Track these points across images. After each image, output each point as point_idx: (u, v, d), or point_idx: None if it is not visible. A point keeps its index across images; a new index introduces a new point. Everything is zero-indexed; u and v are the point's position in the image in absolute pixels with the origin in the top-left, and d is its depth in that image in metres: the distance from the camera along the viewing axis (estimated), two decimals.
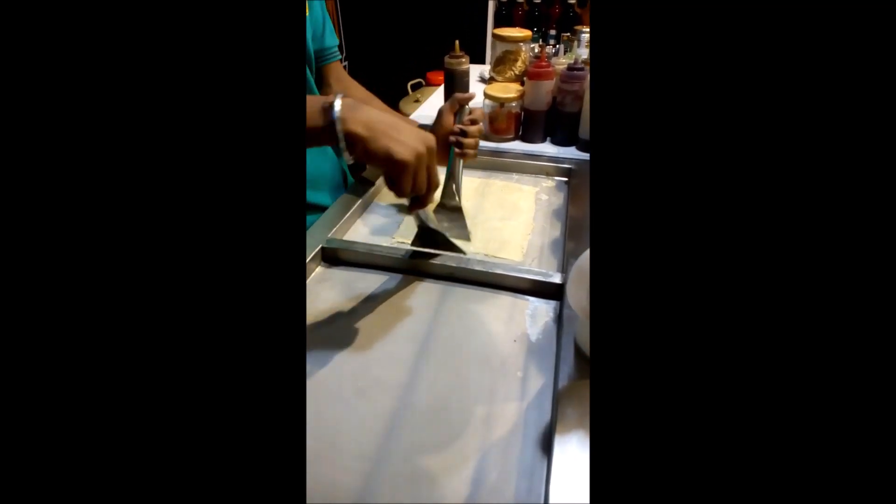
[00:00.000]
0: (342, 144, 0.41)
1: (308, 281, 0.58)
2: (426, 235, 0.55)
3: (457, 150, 0.62)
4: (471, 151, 0.61)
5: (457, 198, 0.62)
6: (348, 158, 0.42)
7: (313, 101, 0.42)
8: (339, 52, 0.80)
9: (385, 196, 0.76)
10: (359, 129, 0.41)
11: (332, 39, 0.78)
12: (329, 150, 0.79)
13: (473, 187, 0.78)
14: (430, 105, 1.10)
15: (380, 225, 0.69)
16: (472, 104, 0.65)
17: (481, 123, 0.64)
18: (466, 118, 0.64)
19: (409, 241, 0.58)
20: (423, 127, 0.53)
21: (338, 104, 0.41)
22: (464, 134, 0.61)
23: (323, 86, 0.79)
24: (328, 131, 0.41)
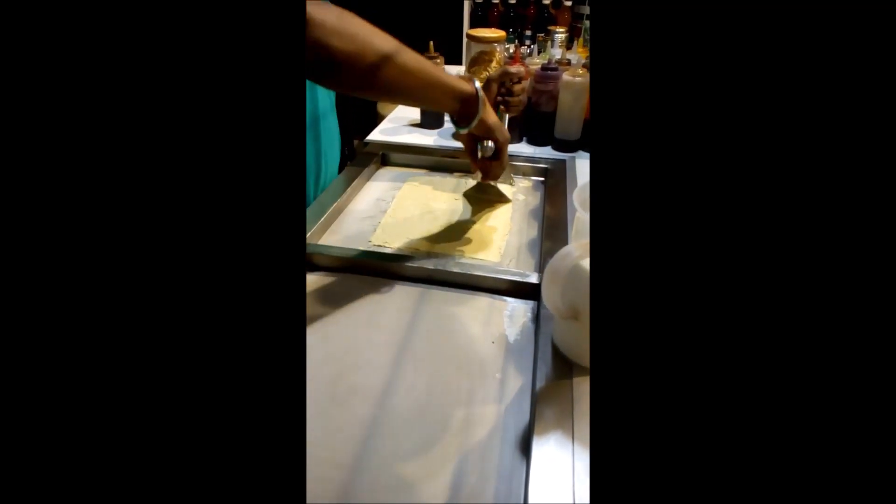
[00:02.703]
0: (480, 110, 0.53)
1: None
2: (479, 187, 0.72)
3: (502, 107, 0.69)
4: (514, 109, 0.69)
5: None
6: (464, 129, 0.55)
7: (448, 76, 0.52)
8: None
9: (364, 197, 0.75)
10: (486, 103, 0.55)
11: None
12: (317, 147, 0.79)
13: (450, 189, 0.78)
14: (405, 107, 1.09)
15: (356, 229, 0.68)
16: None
17: (525, 82, 0.71)
18: (514, 80, 0.68)
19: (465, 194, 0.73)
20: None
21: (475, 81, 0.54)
22: (510, 94, 0.68)
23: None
24: (475, 98, 0.53)
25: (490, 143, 0.57)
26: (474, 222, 0.68)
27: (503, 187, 0.74)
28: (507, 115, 0.71)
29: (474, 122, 0.54)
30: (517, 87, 0.67)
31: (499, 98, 0.68)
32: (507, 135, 0.58)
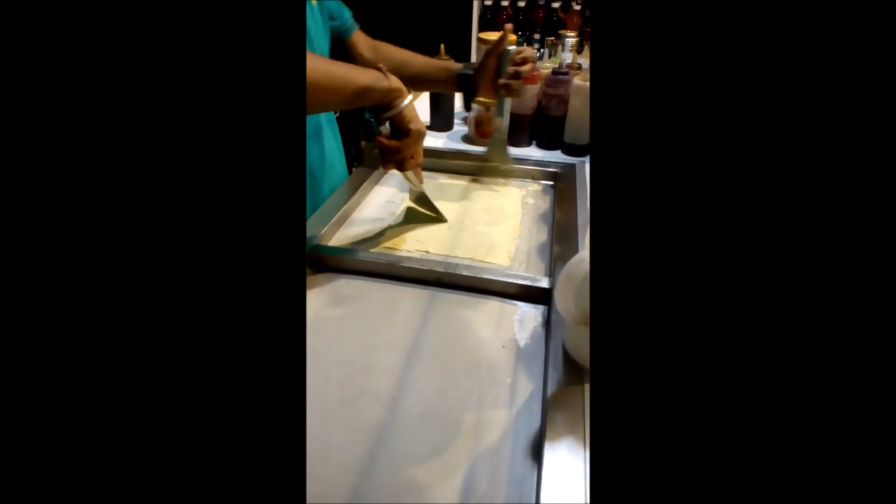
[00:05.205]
0: (395, 103, 0.55)
1: None
2: (420, 198, 0.70)
3: (504, 91, 0.67)
4: (516, 91, 0.69)
5: (503, 130, 0.75)
6: (382, 117, 0.56)
7: (369, 69, 0.54)
8: (356, 21, 0.79)
9: (373, 199, 0.75)
10: (405, 91, 0.56)
11: (347, 11, 0.77)
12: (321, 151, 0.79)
13: (459, 192, 0.78)
14: (416, 108, 1.10)
15: (366, 230, 0.68)
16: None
17: (531, 62, 0.68)
18: (517, 58, 0.66)
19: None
20: (467, 69, 0.69)
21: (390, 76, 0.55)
22: (516, 76, 0.66)
23: (353, 57, 0.77)
24: (391, 91, 0.55)
25: (387, 126, 0.56)
26: (483, 225, 0.68)
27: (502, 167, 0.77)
28: (507, 99, 0.70)
29: (392, 112, 0.55)
30: (525, 69, 0.65)
31: (502, 81, 0.67)
32: (419, 127, 0.57)
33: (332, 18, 0.74)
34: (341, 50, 0.77)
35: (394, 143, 0.57)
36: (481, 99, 0.70)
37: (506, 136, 0.75)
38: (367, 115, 0.57)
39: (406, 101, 0.55)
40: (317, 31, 0.68)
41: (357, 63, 0.75)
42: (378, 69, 0.55)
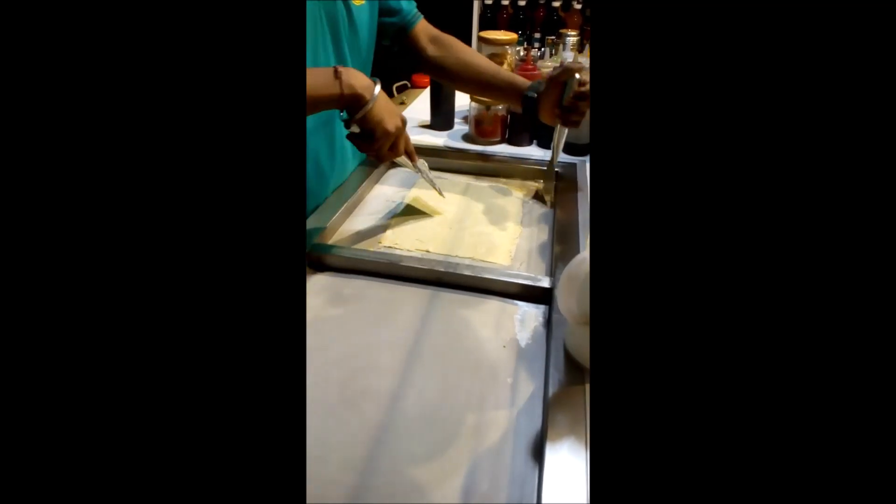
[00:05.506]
0: (355, 107, 0.54)
1: None
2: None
3: (559, 119, 0.67)
4: (574, 123, 0.67)
5: (555, 157, 0.74)
6: (350, 120, 0.55)
7: (324, 71, 0.53)
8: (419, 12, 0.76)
9: (374, 198, 0.75)
10: (366, 94, 0.54)
11: (408, 3, 0.75)
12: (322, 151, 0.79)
13: (460, 191, 0.77)
14: (416, 108, 1.10)
15: (366, 229, 0.68)
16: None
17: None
18: (577, 89, 0.64)
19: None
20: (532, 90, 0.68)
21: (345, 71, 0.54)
22: (573, 108, 0.65)
23: (416, 51, 0.76)
24: (343, 97, 0.53)
25: (356, 126, 0.57)
26: (484, 225, 0.68)
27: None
28: (563, 129, 0.68)
29: (356, 116, 0.55)
30: (583, 105, 0.63)
31: (557, 111, 0.65)
32: (386, 128, 0.56)
33: (389, 14, 0.72)
34: (404, 45, 0.75)
35: (360, 143, 0.58)
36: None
37: (554, 164, 0.73)
38: (341, 116, 0.57)
39: (369, 105, 0.54)
40: (353, 38, 0.66)
41: (421, 57, 0.76)
42: (335, 70, 0.53)
